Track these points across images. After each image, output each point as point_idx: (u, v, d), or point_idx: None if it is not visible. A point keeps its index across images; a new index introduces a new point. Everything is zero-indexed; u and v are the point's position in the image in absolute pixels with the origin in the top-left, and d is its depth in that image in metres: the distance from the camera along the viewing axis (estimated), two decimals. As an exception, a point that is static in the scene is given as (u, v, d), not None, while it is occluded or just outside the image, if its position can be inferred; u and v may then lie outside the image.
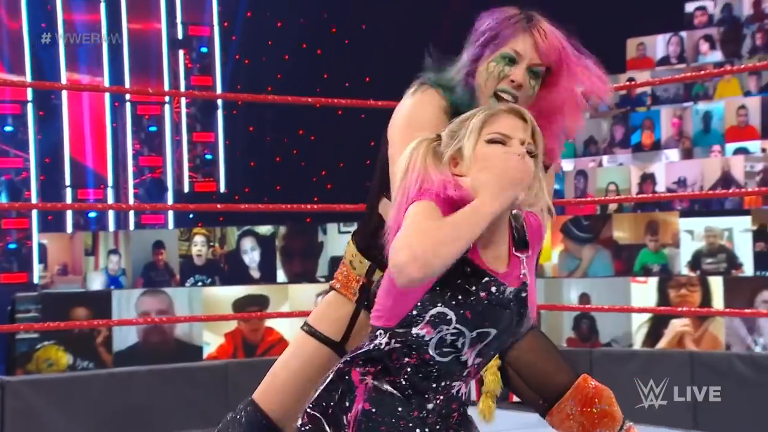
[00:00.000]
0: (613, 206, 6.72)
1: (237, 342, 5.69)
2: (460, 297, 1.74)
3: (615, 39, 8.22)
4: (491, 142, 1.78)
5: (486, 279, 1.76)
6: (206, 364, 5.47)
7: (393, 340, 1.78)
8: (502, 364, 2.17)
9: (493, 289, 1.76)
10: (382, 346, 1.78)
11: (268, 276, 5.99)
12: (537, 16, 2.14)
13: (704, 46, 7.92)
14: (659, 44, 8.15)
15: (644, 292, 5.47)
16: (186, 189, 9.33)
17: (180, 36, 9.49)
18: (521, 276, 1.82)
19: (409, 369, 1.77)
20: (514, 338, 1.85)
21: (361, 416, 1.73)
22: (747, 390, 4.73)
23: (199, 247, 5.91)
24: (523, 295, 1.82)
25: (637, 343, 5.43)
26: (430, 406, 1.78)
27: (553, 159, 2.19)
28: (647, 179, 6.76)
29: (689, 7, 8.26)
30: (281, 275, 6.02)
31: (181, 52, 9.48)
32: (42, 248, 6.14)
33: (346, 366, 1.80)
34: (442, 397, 1.80)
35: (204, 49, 9.57)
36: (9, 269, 8.18)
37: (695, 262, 5.50)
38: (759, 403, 4.70)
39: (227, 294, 5.79)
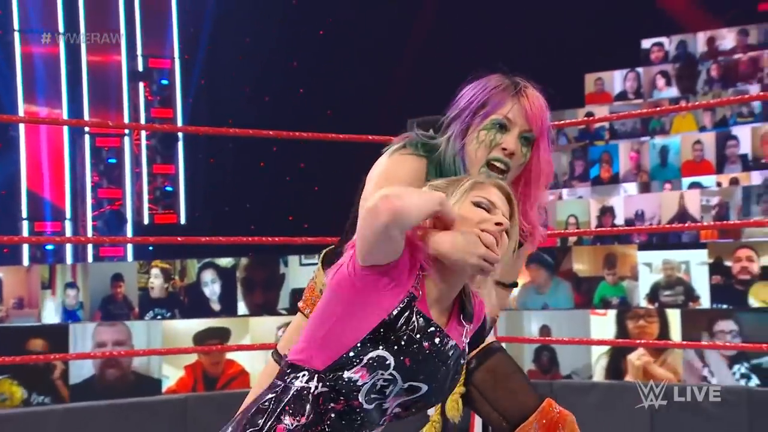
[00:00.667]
0: (572, 239, 6.78)
1: (197, 375, 5.64)
2: (403, 343, 1.69)
3: (574, 74, 8.35)
4: (477, 205, 1.78)
5: (432, 329, 1.73)
6: (165, 398, 5.41)
7: (320, 384, 1.72)
8: (465, 390, 2.17)
9: (437, 340, 1.73)
10: (311, 391, 1.72)
11: (228, 308, 5.95)
12: (523, 82, 2.13)
13: (660, 82, 8.07)
14: (617, 79, 8.30)
15: (603, 324, 5.51)
16: (146, 221, 9.27)
17: (140, 68, 9.47)
18: (461, 343, 1.80)
19: (333, 415, 1.71)
20: (436, 401, 1.82)
21: None
22: (705, 422, 4.77)
23: (153, 279, 5.87)
24: (462, 361, 1.81)
25: (597, 375, 5.47)
26: None
27: (534, 234, 2.18)
28: (606, 212, 6.85)
29: (646, 44, 8.43)
30: (242, 307, 5.98)
31: (141, 85, 9.47)
32: (-3, 281, 6.06)
33: (269, 420, 1.71)
34: None
35: (165, 82, 9.56)
36: (-37, 303, 8.03)
37: (653, 295, 5.56)
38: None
39: (187, 327, 5.74)
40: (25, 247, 8.54)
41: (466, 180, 1.83)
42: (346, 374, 1.70)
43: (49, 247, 8.75)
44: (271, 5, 9.60)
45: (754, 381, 5.00)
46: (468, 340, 1.86)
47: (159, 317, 5.82)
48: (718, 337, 5.10)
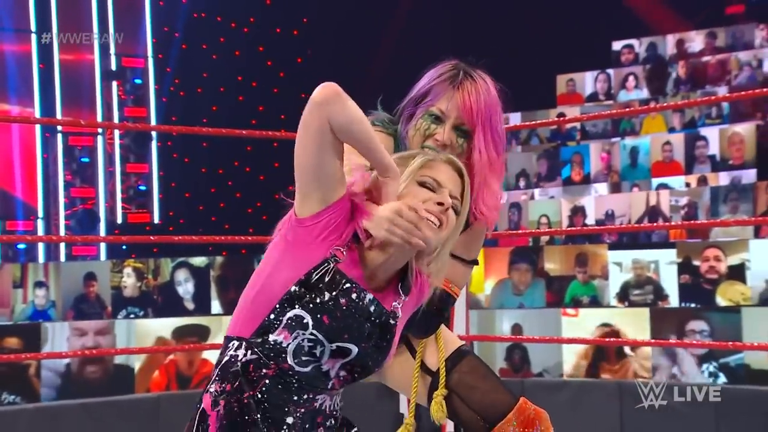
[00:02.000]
0: (544, 238, 6.82)
1: (171, 374, 5.61)
2: (318, 300, 1.71)
3: (545, 75, 8.39)
4: (422, 184, 1.80)
5: (348, 285, 1.74)
6: (137, 397, 5.38)
7: (249, 351, 1.74)
8: (448, 393, 2.17)
9: (354, 296, 1.75)
10: (239, 358, 1.74)
11: (202, 307, 5.93)
12: (470, 73, 2.13)
13: (630, 83, 8.12)
14: (588, 81, 8.34)
15: (574, 322, 5.54)
16: (119, 220, 9.20)
17: (113, 67, 9.40)
18: (393, 307, 1.82)
19: (267, 381, 1.73)
20: (378, 366, 1.82)
21: None
22: (673, 419, 4.80)
23: (126, 278, 5.83)
24: (391, 321, 1.81)
25: (572, 373, 5.50)
26: (290, 420, 1.73)
27: (487, 217, 2.17)
28: (577, 212, 6.89)
29: (616, 46, 8.48)
30: (216, 306, 5.96)
31: (114, 84, 9.39)
32: (-31, 280, 5.99)
33: (203, 393, 1.75)
34: (303, 410, 1.75)
35: (138, 81, 9.49)
36: (-66, 302, 7.94)
37: (623, 294, 5.60)
38: (685, 430, 4.78)
39: (161, 325, 5.71)
40: (-3, 246, 8.45)
41: (417, 156, 1.85)
42: (271, 337, 1.72)
43: (21, 246, 8.66)
44: (245, 5, 9.57)
45: (722, 379, 5.05)
46: (405, 315, 1.87)
47: (132, 316, 5.78)
48: (689, 336, 5.14)
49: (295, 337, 1.71)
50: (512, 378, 5.50)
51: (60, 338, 5.40)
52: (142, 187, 9.42)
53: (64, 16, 9.09)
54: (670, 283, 5.47)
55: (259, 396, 1.72)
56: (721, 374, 5.08)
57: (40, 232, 8.84)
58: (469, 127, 2.10)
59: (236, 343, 1.76)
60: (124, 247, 8.63)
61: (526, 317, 5.72)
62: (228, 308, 5.95)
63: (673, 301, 5.44)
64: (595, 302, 5.66)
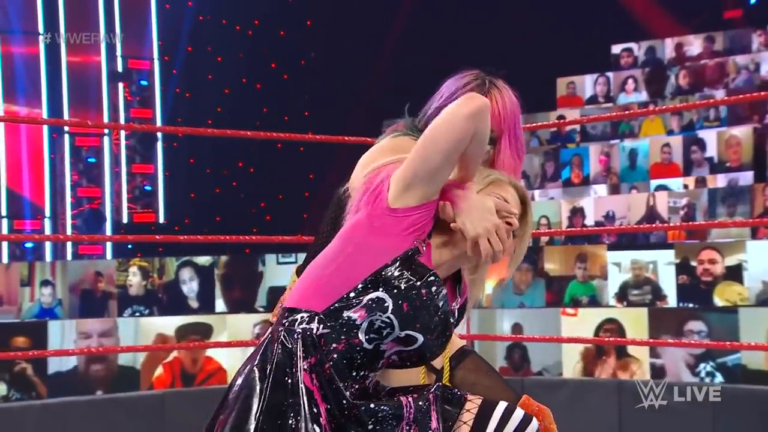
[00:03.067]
0: (544, 239, 6.82)
1: (175, 372, 5.61)
2: (403, 287, 1.73)
3: (546, 78, 8.39)
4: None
5: (432, 278, 1.77)
6: (143, 394, 5.38)
7: (322, 326, 1.74)
8: (449, 383, 2.18)
9: (434, 288, 1.77)
10: (314, 331, 1.73)
11: (206, 306, 5.93)
12: (494, 82, 2.14)
13: (630, 86, 8.13)
14: (588, 83, 8.34)
15: (574, 322, 5.54)
16: (125, 220, 9.22)
17: (120, 69, 9.42)
18: (452, 308, 1.85)
19: (335, 356, 1.73)
20: (434, 356, 1.84)
21: (329, 417, 1.70)
22: (671, 418, 4.81)
23: (132, 277, 5.84)
24: (452, 321, 1.84)
25: (571, 372, 5.50)
26: (348, 394, 1.74)
27: None
28: (577, 213, 6.88)
29: (616, 49, 8.48)
30: (220, 305, 5.97)
31: (120, 85, 9.41)
32: (-24, 279, 6.00)
33: (286, 375, 1.72)
34: (357, 386, 1.77)
35: (144, 82, 9.51)
36: (-58, 300, 7.95)
37: (622, 294, 5.60)
38: (683, 429, 4.78)
39: (166, 323, 5.71)
40: (5, 245, 8.46)
41: (487, 173, 1.91)
42: (346, 314, 1.74)
43: (29, 244, 8.68)
44: (250, 8, 9.57)
45: (719, 379, 5.05)
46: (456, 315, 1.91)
47: (137, 314, 5.78)
48: (687, 336, 5.14)
49: (371, 317, 1.73)
50: (512, 377, 5.49)
51: (66, 335, 5.41)
52: (148, 187, 9.43)
53: (72, 18, 9.10)
54: (669, 283, 5.47)
55: (327, 372, 1.72)
56: (718, 374, 5.08)
57: (47, 231, 8.86)
58: (497, 134, 2.10)
59: (306, 317, 1.75)
60: (129, 246, 8.64)
61: (526, 317, 5.72)
62: (232, 307, 5.96)
63: (672, 301, 5.44)
64: (594, 302, 5.66)
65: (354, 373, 1.76)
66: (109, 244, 8.86)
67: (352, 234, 1.81)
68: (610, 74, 8.28)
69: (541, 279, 5.83)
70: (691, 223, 6.15)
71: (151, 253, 7.72)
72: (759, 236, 5.91)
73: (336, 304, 1.74)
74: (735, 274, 5.31)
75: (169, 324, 5.71)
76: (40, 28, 9.00)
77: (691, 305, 5.36)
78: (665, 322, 5.30)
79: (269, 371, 1.73)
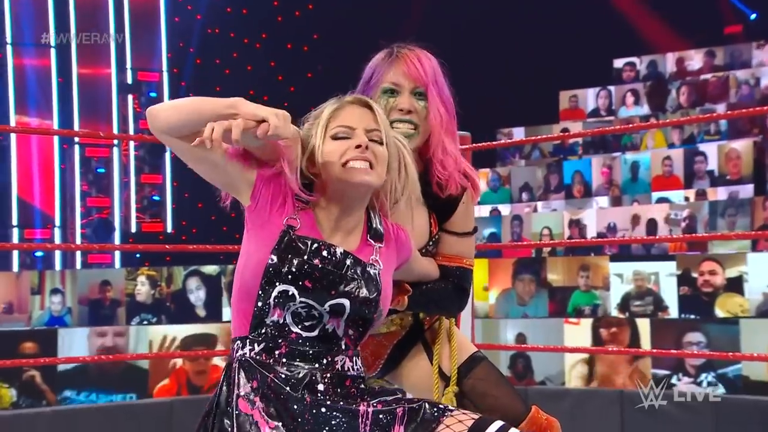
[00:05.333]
0: (546, 250, 6.81)
1: (181, 380, 5.60)
2: (293, 269, 1.72)
3: (549, 91, 8.40)
4: (335, 137, 1.79)
5: (315, 245, 1.75)
6: (151, 401, 5.37)
7: (255, 344, 1.74)
8: (459, 390, 2.16)
9: (324, 252, 1.75)
10: (248, 355, 1.74)
11: (213, 314, 5.93)
12: (404, 46, 2.20)
13: (630, 100, 8.14)
14: (590, 97, 8.35)
15: (577, 331, 5.53)
16: (133, 229, 9.22)
17: (129, 81, 9.44)
18: (371, 260, 1.81)
19: (284, 360, 1.72)
20: (375, 314, 1.80)
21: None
22: (673, 428, 4.79)
23: (140, 286, 5.84)
24: (372, 271, 1.79)
25: (572, 382, 5.48)
26: (321, 387, 1.72)
27: (451, 180, 2.15)
28: (579, 224, 6.88)
29: (618, 63, 8.49)
30: (227, 313, 5.96)
31: (130, 97, 9.43)
32: (-12, 287, 6.00)
33: (227, 406, 1.73)
34: (328, 374, 1.74)
35: (153, 94, 9.53)
36: (-46, 307, 7.96)
37: (624, 304, 5.58)
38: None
39: (173, 331, 5.71)
40: (15, 254, 8.47)
41: (323, 112, 1.85)
42: (267, 320, 1.74)
43: (39, 253, 8.68)
44: (258, 22, 9.60)
45: (720, 390, 5.03)
46: (389, 263, 1.86)
47: (145, 323, 5.78)
48: (686, 348, 5.12)
49: (288, 309, 1.72)
50: (516, 386, 5.48)
51: (75, 343, 5.41)
52: (156, 197, 9.44)
53: (83, 30, 9.13)
54: (670, 294, 5.45)
55: (283, 375, 1.71)
56: (719, 384, 5.07)
57: (57, 240, 8.87)
58: (424, 89, 2.13)
59: (240, 343, 1.77)
60: (138, 255, 8.64)
61: (529, 326, 5.71)
62: (239, 316, 5.95)
63: (673, 312, 5.43)
64: (597, 312, 5.65)
65: (316, 364, 1.74)
66: (117, 254, 8.86)
67: (242, 250, 1.82)
68: (611, 88, 8.29)
69: (544, 290, 5.82)
70: (692, 235, 6.14)
71: (159, 263, 7.72)
72: (759, 248, 5.90)
73: (255, 320, 1.74)
74: (736, 285, 5.29)
75: (177, 332, 5.70)
76: (52, 41, 9.03)
77: (692, 316, 5.35)
78: (667, 332, 5.28)
79: (214, 403, 1.76)
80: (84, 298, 5.71)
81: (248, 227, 1.80)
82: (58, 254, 8.76)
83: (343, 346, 1.77)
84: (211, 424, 1.74)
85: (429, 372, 2.18)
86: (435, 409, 1.73)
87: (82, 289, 5.73)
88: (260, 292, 1.73)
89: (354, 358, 1.81)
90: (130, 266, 7.28)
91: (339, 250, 1.76)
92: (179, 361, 5.59)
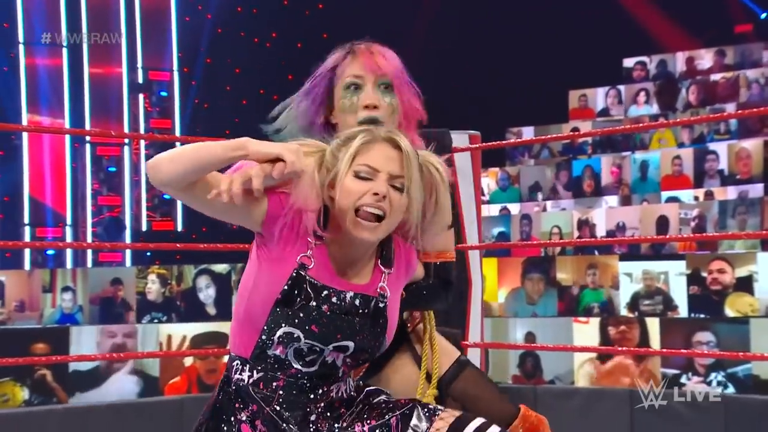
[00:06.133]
0: (556, 249, 6.79)
1: (192, 378, 5.61)
2: (301, 314, 1.69)
3: (558, 90, 8.38)
4: (357, 175, 1.72)
5: (325, 292, 1.72)
6: (162, 399, 5.38)
7: (254, 371, 1.73)
8: (439, 395, 2.16)
9: (334, 299, 1.73)
10: (246, 381, 1.74)
11: (223, 312, 5.93)
12: (361, 44, 2.10)
13: (641, 99, 8.11)
14: (599, 96, 8.33)
15: (586, 331, 5.52)
16: (144, 228, 9.24)
17: (140, 80, 9.46)
18: (379, 288, 1.79)
19: (281, 392, 1.72)
20: (379, 349, 1.79)
21: None
22: (682, 427, 4.78)
23: (150, 284, 5.85)
24: (381, 305, 1.78)
25: (580, 381, 5.47)
26: (313, 417, 1.73)
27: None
28: (588, 224, 6.86)
29: (628, 63, 8.47)
30: (237, 312, 5.96)
31: (141, 96, 9.45)
32: (0, 285, 6.02)
33: (224, 424, 1.74)
34: (323, 404, 1.75)
35: (164, 93, 9.55)
36: (-34, 305, 8.00)
37: (633, 304, 5.57)
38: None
39: (184, 329, 5.72)
40: (27, 252, 8.50)
41: (353, 141, 1.75)
42: (269, 352, 1.71)
43: (50, 252, 8.71)
44: (268, 21, 9.61)
45: (731, 389, 5.01)
46: (397, 288, 1.83)
47: (156, 321, 5.79)
48: (695, 347, 5.11)
49: (291, 347, 1.70)
50: (525, 385, 5.47)
51: (86, 341, 5.42)
52: (167, 196, 9.45)
53: (94, 30, 9.15)
54: (680, 293, 5.43)
55: (278, 408, 1.72)
56: (729, 384, 5.05)
57: (69, 238, 8.90)
58: (390, 80, 2.03)
59: (239, 365, 1.75)
60: (148, 253, 8.65)
61: (538, 326, 5.70)
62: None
63: (683, 311, 5.41)
64: (606, 311, 5.63)
65: (312, 395, 1.74)
66: (128, 252, 8.88)
67: (248, 274, 1.77)
68: (621, 87, 8.26)
69: (553, 289, 5.81)
70: (702, 234, 6.12)
71: (170, 261, 7.74)
72: (769, 248, 5.88)
73: (257, 350, 1.72)
74: (746, 285, 5.27)
75: (187, 330, 5.71)
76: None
77: (702, 316, 5.33)
78: (676, 332, 5.27)
79: (209, 418, 1.76)
80: (95, 296, 5.72)
81: (260, 254, 1.75)
82: (69, 252, 8.79)
83: (340, 374, 1.77)
84: None
85: (412, 375, 2.17)
86: (426, 411, 1.74)
87: (93, 287, 5.74)
88: (265, 327, 1.70)
89: (348, 380, 1.81)
90: (141, 264, 7.29)
91: (349, 295, 1.74)
92: (190, 359, 5.60)
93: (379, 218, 1.72)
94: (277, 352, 1.70)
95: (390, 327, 1.80)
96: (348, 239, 1.74)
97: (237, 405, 1.74)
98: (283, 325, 1.69)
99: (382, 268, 1.81)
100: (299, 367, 1.72)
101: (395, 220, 1.75)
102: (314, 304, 1.70)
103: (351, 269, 1.77)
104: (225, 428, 1.74)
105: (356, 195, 1.71)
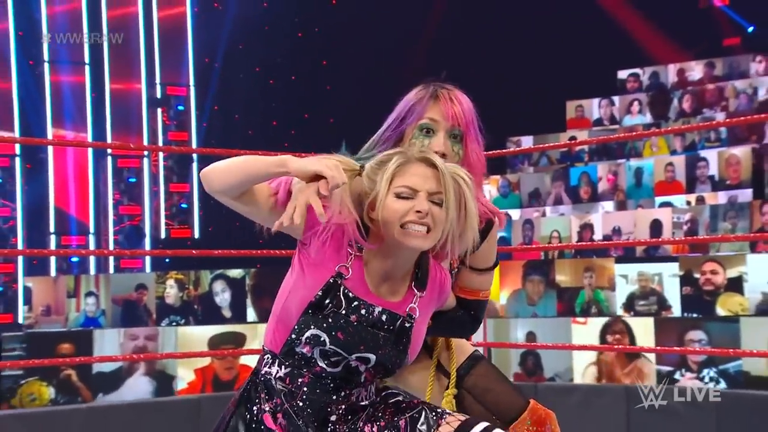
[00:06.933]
0: (555, 252, 6.79)
1: (207, 378, 5.63)
2: (331, 320, 1.72)
3: (556, 101, 8.39)
4: (398, 196, 1.74)
5: (356, 303, 1.75)
6: (180, 398, 5.40)
7: (282, 366, 1.76)
8: (458, 392, 2.17)
9: (363, 311, 1.75)
10: (274, 375, 1.77)
11: (238, 315, 5.95)
12: (442, 85, 2.08)
13: (635, 109, 8.11)
14: (595, 106, 8.33)
15: (584, 331, 5.52)
16: (163, 235, 9.27)
17: (158, 95, 9.50)
18: (409, 309, 1.80)
19: (305, 388, 1.75)
20: (400, 366, 1.81)
21: None
22: (676, 422, 4.77)
23: (169, 289, 5.87)
24: (407, 325, 1.79)
25: (579, 378, 5.47)
26: (333, 418, 1.75)
27: (490, 212, 2.12)
28: (586, 228, 6.86)
29: (622, 74, 8.48)
30: (251, 314, 5.98)
31: (159, 110, 9.48)
32: (27, 291, 6.05)
33: (247, 412, 1.77)
34: (343, 406, 1.77)
35: (181, 107, 9.58)
36: (-5, 310, 8.05)
37: (629, 304, 5.57)
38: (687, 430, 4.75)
39: (201, 332, 5.74)
40: (53, 259, 8.53)
41: (390, 164, 1.77)
42: (297, 349, 1.74)
43: (74, 259, 8.74)
44: (279, 38, 9.65)
45: (722, 385, 5.01)
46: (426, 311, 1.84)
47: (174, 324, 5.81)
48: (687, 345, 5.10)
49: (317, 348, 1.73)
50: (526, 382, 5.48)
51: (109, 343, 5.44)
52: (184, 205, 9.48)
53: (115, 49, 9.20)
54: (673, 294, 5.43)
55: (300, 404, 1.74)
56: (721, 380, 5.04)
57: (92, 246, 8.93)
58: (461, 131, 2.03)
59: (270, 359, 1.79)
60: (167, 260, 8.68)
61: (539, 325, 5.70)
62: (262, 316, 5.97)
63: (676, 311, 5.41)
64: (603, 311, 5.63)
65: (334, 396, 1.76)
66: (148, 258, 8.91)
67: (289, 276, 1.81)
68: (616, 98, 8.27)
69: (552, 290, 5.81)
70: (694, 237, 6.12)
71: (187, 267, 7.75)
72: (758, 250, 5.87)
73: (286, 346, 1.75)
74: (736, 285, 5.27)
75: (204, 332, 5.73)
76: (86, 59, 9.12)
77: (694, 315, 5.32)
78: (670, 330, 5.26)
79: (237, 407, 1.79)
80: (117, 299, 5.74)
81: (301, 258, 1.78)
82: (92, 259, 8.83)
83: (362, 380, 1.79)
84: (236, 426, 1.78)
85: (428, 374, 2.19)
86: (433, 414, 1.77)
87: (115, 291, 5.77)
88: (296, 327, 1.74)
89: (369, 387, 1.82)
90: (160, 270, 7.32)
91: (377, 310, 1.76)
92: (206, 359, 5.61)
93: (427, 230, 1.74)
94: (305, 350, 1.73)
95: (413, 348, 1.82)
96: (391, 250, 1.76)
97: (263, 396, 1.77)
98: (312, 327, 1.72)
99: (415, 290, 1.82)
100: (324, 365, 1.74)
101: (439, 232, 1.75)
102: (344, 312, 1.73)
103: (385, 286, 1.79)
104: (248, 416, 1.77)
105: (400, 214, 1.73)
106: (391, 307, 1.78)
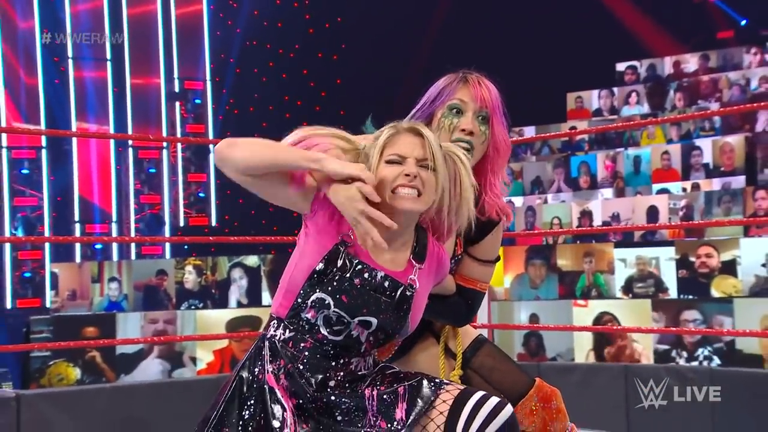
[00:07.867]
0: (556, 237, 6.78)
1: (225, 359, 5.64)
2: (335, 283, 1.73)
3: (556, 93, 8.36)
4: (389, 163, 1.78)
5: (359, 267, 1.76)
6: (199, 378, 5.41)
7: (287, 330, 1.77)
8: (463, 372, 2.16)
9: (366, 275, 1.76)
10: (278, 337, 1.77)
11: (254, 300, 5.96)
12: (471, 73, 2.11)
13: (633, 100, 8.07)
14: (594, 98, 8.29)
15: (584, 312, 5.51)
16: (181, 223, 9.30)
17: (177, 89, 9.51)
18: (409, 280, 1.81)
19: (306, 353, 1.75)
20: (399, 332, 1.81)
21: (297, 410, 1.73)
22: (674, 398, 4.76)
23: (188, 275, 5.88)
24: (408, 293, 1.80)
25: (585, 357, 5.47)
26: (332, 383, 1.75)
27: (502, 209, 2.11)
28: (586, 214, 6.84)
29: (620, 67, 8.43)
30: (266, 298, 5.99)
31: (177, 104, 9.50)
32: (54, 276, 6.07)
33: (250, 373, 1.76)
34: (342, 373, 1.77)
35: (198, 101, 9.59)
36: (24, 295, 8.10)
37: (627, 287, 5.56)
38: (685, 411, 4.73)
39: (218, 315, 5.75)
40: (77, 246, 8.57)
41: (381, 136, 1.81)
42: (302, 315, 1.75)
43: (98, 246, 8.78)
44: (292, 34, 9.63)
45: (716, 362, 5.00)
46: (426, 283, 1.85)
47: (193, 308, 5.83)
48: (683, 325, 5.09)
49: (322, 313, 1.74)
50: (529, 362, 5.48)
51: (131, 326, 5.46)
52: (202, 194, 9.50)
53: (135, 46, 9.21)
54: (670, 277, 5.42)
55: (301, 367, 1.75)
56: (715, 357, 5.03)
57: (114, 233, 8.96)
58: (488, 112, 2.05)
59: (275, 323, 1.80)
60: (186, 246, 8.71)
61: (541, 308, 5.70)
62: (278, 300, 5.96)
63: (673, 293, 5.39)
64: (602, 294, 5.62)
65: (333, 363, 1.76)
66: (167, 245, 8.94)
67: (298, 245, 1.83)
68: (614, 89, 8.23)
69: (554, 274, 5.80)
70: (690, 222, 6.09)
71: (205, 253, 7.78)
72: (751, 234, 5.85)
73: (291, 311, 1.76)
74: (730, 268, 5.25)
75: (221, 315, 5.74)
76: (108, 55, 9.12)
77: (690, 296, 5.31)
78: (667, 311, 5.25)
79: (240, 369, 1.79)
80: (139, 284, 5.76)
81: (307, 228, 1.81)
82: (115, 246, 8.86)
83: (362, 350, 1.79)
84: (239, 386, 1.77)
85: (437, 357, 2.18)
86: (432, 384, 1.77)
87: (137, 277, 5.78)
88: (302, 291, 1.75)
89: (368, 358, 1.83)
90: (179, 257, 7.34)
91: (380, 274, 1.77)
92: (224, 341, 5.63)
93: (418, 194, 1.77)
94: (309, 315, 1.74)
95: (413, 316, 1.82)
96: (391, 216, 1.76)
97: (267, 357, 1.77)
98: (317, 290, 1.73)
99: (414, 262, 1.83)
100: (326, 333, 1.75)
101: (430, 195, 1.78)
102: (348, 275, 1.74)
103: (386, 255, 1.80)
104: (251, 377, 1.76)
105: (390, 178, 1.76)
106: (393, 275, 1.79)
